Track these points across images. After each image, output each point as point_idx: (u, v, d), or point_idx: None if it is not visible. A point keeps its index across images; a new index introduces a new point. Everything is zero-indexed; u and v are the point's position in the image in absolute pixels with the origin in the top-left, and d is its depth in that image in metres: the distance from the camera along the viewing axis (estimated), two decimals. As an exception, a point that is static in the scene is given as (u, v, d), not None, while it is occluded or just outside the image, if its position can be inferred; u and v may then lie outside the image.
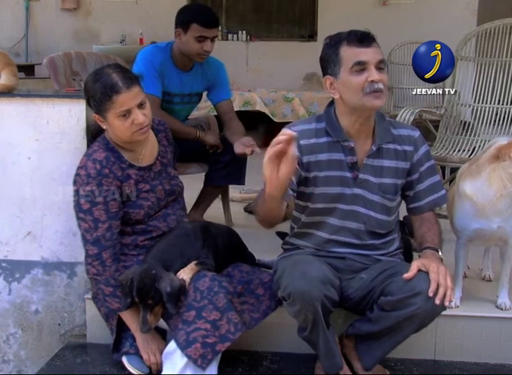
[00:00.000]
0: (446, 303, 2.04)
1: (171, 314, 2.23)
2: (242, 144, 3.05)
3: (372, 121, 2.24)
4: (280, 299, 2.30)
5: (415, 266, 2.10)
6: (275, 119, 6.57)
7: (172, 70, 3.15)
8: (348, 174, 2.23)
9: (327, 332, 2.16)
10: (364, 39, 2.13)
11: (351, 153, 2.23)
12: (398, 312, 2.10)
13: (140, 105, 2.29)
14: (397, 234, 2.37)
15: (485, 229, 2.42)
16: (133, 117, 2.27)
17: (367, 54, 2.12)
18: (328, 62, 2.18)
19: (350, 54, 2.13)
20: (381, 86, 2.12)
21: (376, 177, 2.25)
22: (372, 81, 2.10)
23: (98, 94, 2.26)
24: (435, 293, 2.03)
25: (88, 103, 2.38)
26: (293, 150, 1.87)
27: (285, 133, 1.89)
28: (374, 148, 2.23)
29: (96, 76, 2.31)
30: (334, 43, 2.16)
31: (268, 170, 1.89)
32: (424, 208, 2.31)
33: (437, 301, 2.02)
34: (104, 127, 2.35)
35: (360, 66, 2.11)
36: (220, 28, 7.84)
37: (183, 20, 3.08)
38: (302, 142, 2.22)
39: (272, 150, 1.87)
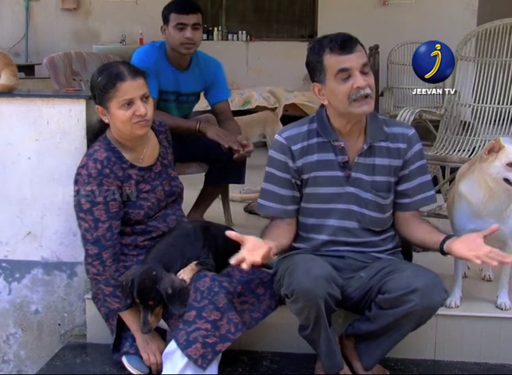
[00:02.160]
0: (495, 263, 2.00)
1: (171, 314, 2.23)
2: (232, 141, 3.05)
3: (364, 121, 2.25)
4: (280, 299, 2.30)
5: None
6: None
7: (167, 68, 3.16)
8: (340, 173, 2.24)
9: (329, 331, 2.16)
10: (345, 46, 2.12)
11: (342, 153, 2.24)
12: (395, 309, 2.11)
13: (144, 98, 2.30)
14: (395, 232, 2.37)
15: (481, 230, 2.42)
16: (134, 108, 2.28)
17: (350, 60, 2.12)
18: (314, 70, 2.20)
19: (332, 62, 2.13)
20: (368, 91, 2.13)
21: (368, 175, 2.26)
22: (358, 87, 2.11)
23: (103, 82, 2.29)
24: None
25: (93, 96, 2.38)
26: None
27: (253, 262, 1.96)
28: (365, 147, 2.24)
29: (102, 68, 2.37)
30: (317, 50, 2.17)
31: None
32: (410, 206, 2.31)
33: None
34: (106, 121, 2.35)
35: (345, 73, 2.12)
36: (220, 28, 7.86)
37: (164, 15, 3.15)
38: (293, 148, 2.25)
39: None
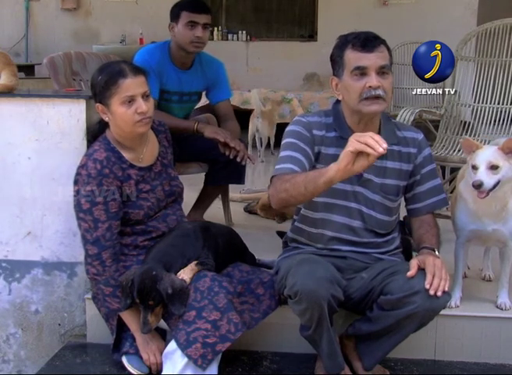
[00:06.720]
0: (439, 293, 2.04)
1: (171, 314, 2.23)
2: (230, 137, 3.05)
3: (377, 122, 2.25)
4: (281, 299, 2.30)
5: (414, 263, 2.11)
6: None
7: (170, 68, 3.16)
8: None
9: (331, 332, 2.16)
10: (366, 44, 2.14)
11: None
12: (397, 311, 2.11)
13: (145, 97, 2.31)
14: (397, 233, 2.38)
15: (481, 230, 2.42)
16: (136, 105, 2.28)
17: (368, 59, 2.13)
18: (335, 63, 2.21)
19: (351, 58, 2.15)
20: (379, 92, 2.13)
21: (379, 178, 2.26)
22: (370, 87, 2.12)
23: (104, 79, 2.30)
24: (431, 284, 2.04)
25: (93, 94, 2.38)
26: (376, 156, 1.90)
27: (380, 144, 1.88)
28: None
29: (103, 66, 2.38)
30: (341, 45, 2.19)
31: (346, 161, 1.90)
32: (422, 210, 2.32)
33: (431, 292, 2.03)
34: (107, 119, 2.35)
35: (360, 71, 2.13)
36: (220, 28, 7.86)
37: (174, 12, 3.16)
38: (314, 132, 2.24)
39: (359, 147, 1.88)
